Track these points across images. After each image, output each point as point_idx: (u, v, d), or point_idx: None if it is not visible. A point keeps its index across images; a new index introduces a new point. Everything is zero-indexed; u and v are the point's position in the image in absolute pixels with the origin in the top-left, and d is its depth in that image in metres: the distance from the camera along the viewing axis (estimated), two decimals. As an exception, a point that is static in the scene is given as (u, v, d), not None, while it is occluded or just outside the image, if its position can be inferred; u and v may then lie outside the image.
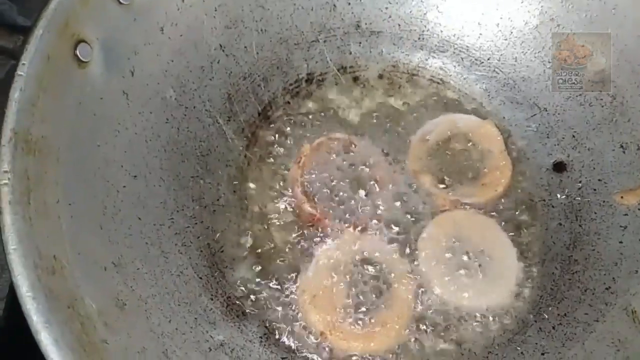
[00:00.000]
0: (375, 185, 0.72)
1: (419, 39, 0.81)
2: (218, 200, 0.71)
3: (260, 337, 0.64)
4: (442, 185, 0.73)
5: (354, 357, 0.64)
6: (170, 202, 0.66)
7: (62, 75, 0.54)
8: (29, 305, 0.45)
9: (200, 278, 0.64)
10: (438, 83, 0.81)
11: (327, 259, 0.67)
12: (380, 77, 0.81)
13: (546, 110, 0.76)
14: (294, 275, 0.67)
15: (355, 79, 0.81)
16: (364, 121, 0.77)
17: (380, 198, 0.71)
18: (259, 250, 0.69)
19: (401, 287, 0.66)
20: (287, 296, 0.66)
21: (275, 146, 0.75)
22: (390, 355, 0.64)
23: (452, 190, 0.72)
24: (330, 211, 0.70)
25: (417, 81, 0.81)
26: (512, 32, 0.78)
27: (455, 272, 0.67)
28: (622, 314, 0.60)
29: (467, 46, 0.81)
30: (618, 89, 0.72)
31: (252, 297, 0.66)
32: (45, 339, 0.44)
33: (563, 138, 0.75)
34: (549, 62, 0.76)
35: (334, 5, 0.79)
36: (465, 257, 0.68)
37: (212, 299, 0.64)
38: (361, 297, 0.66)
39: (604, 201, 0.69)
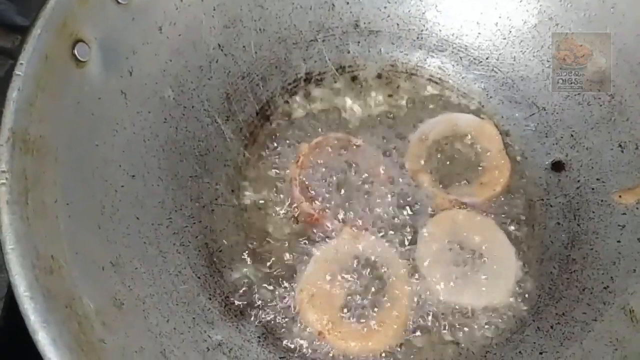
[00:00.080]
0: (374, 184, 0.72)
1: (417, 38, 0.81)
2: (216, 199, 0.71)
3: (259, 337, 0.64)
4: (440, 185, 0.73)
5: (352, 357, 0.64)
6: (168, 202, 0.66)
7: (60, 74, 0.54)
8: (26, 304, 0.45)
9: (199, 278, 0.64)
10: (437, 82, 0.81)
11: (325, 259, 0.67)
12: (379, 76, 0.81)
13: (545, 110, 0.76)
14: (292, 274, 0.67)
15: (354, 78, 0.81)
16: (363, 120, 0.78)
17: (379, 197, 0.71)
18: (257, 250, 0.69)
19: (399, 286, 0.66)
20: (285, 296, 0.66)
21: (273, 146, 0.75)
22: (389, 355, 0.64)
23: (450, 190, 0.72)
24: (329, 210, 0.70)
25: (416, 80, 0.81)
26: (510, 32, 0.78)
27: (453, 271, 0.67)
28: (620, 313, 0.60)
29: (465, 45, 0.81)
30: (617, 88, 0.72)
31: (251, 296, 0.66)
32: (42, 338, 0.45)
33: (561, 137, 0.75)
34: (548, 61, 0.76)
35: (333, 5, 0.79)
36: (463, 257, 0.68)
37: (210, 299, 0.64)
38: (359, 296, 0.66)
39: (602, 200, 0.69)
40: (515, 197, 0.73)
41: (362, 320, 0.64)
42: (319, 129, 0.76)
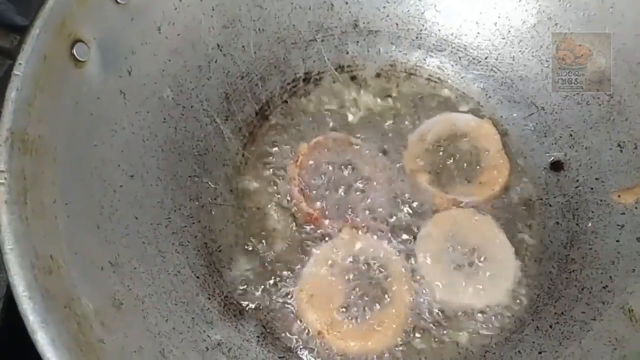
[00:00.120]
0: (373, 184, 0.72)
1: (416, 38, 0.81)
2: (215, 199, 0.71)
3: (258, 337, 0.64)
4: (439, 185, 0.73)
5: (351, 357, 0.64)
6: (167, 202, 0.66)
7: (59, 74, 0.54)
8: (25, 305, 0.45)
9: (198, 277, 0.64)
10: (436, 82, 0.81)
11: (324, 258, 0.67)
12: (378, 76, 0.81)
13: (543, 109, 0.76)
14: (291, 274, 0.68)
15: (353, 78, 0.81)
16: (362, 120, 0.78)
17: (378, 197, 0.71)
18: (256, 250, 0.69)
19: (399, 286, 0.66)
20: (284, 295, 0.66)
21: (272, 145, 0.75)
22: (388, 355, 0.64)
23: (449, 189, 0.72)
24: (328, 210, 0.70)
25: (415, 80, 0.81)
26: (509, 31, 0.78)
27: (452, 271, 0.67)
28: (619, 312, 0.60)
29: (464, 45, 0.81)
30: (616, 88, 0.71)
31: (250, 296, 0.66)
32: (41, 338, 0.45)
33: (560, 137, 0.75)
34: (547, 61, 0.76)
35: (332, 5, 0.79)
36: (462, 256, 0.68)
37: (209, 299, 0.64)
38: (359, 296, 0.65)
39: (601, 200, 0.69)
40: (514, 196, 0.73)
41: (362, 320, 0.64)
42: (318, 129, 0.76)
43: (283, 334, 0.65)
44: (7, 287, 0.63)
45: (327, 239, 0.69)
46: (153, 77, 0.67)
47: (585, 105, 0.74)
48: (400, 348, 0.64)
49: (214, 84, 0.74)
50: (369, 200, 0.71)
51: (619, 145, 0.70)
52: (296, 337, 0.65)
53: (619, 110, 0.71)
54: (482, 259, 0.68)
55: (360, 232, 0.69)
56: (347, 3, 0.80)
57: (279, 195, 0.72)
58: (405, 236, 0.70)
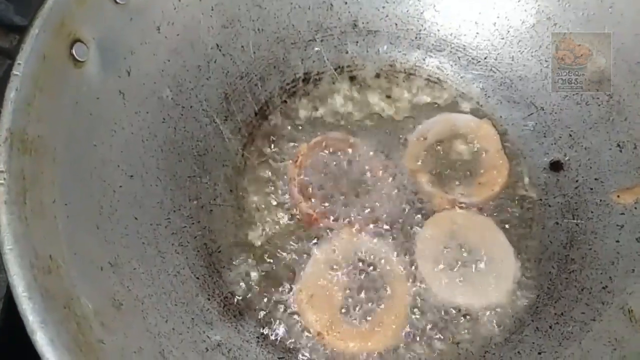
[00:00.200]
0: (373, 184, 0.72)
1: (416, 38, 0.81)
2: (215, 200, 0.71)
3: (257, 337, 0.64)
4: (439, 185, 0.73)
5: (351, 357, 0.64)
6: (167, 202, 0.66)
7: (58, 74, 0.54)
8: (25, 305, 0.45)
9: (197, 278, 0.64)
10: (435, 82, 0.81)
11: (324, 259, 0.67)
12: (377, 76, 0.81)
13: (543, 110, 0.76)
14: (291, 275, 0.67)
15: (352, 78, 0.81)
16: (361, 120, 0.78)
17: (378, 198, 0.71)
18: (256, 250, 0.69)
19: (398, 286, 0.66)
20: (284, 296, 0.66)
21: (272, 146, 0.75)
22: (388, 355, 0.64)
23: (449, 190, 0.72)
24: (328, 211, 0.70)
25: (414, 80, 0.81)
26: (509, 31, 0.78)
27: (452, 272, 0.67)
28: (619, 313, 0.61)
29: (464, 45, 0.81)
30: (615, 87, 0.72)
31: (249, 297, 0.66)
32: (41, 339, 0.44)
33: (560, 137, 0.75)
34: (546, 61, 0.76)
35: (331, 5, 0.79)
36: (462, 257, 0.68)
37: (209, 299, 0.64)
38: (358, 296, 0.66)
39: (600, 200, 0.69)
40: (514, 197, 0.73)
41: (361, 321, 0.64)
42: (318, 129, 0.76)
43: (283, 335, 0.65)
44: (6, 287, 0.63)
45: (327, 239, 0.69)
46: (152, 77, 0.67)
47: (584, 106, 0.74)
48: (400, 349, 0.64)
49: (213, 84, 0.74)
50: (368, 201, 0.71)
51: (618, 145, 0.70)
52: (296, 338, 0.65)
53: (618, 110, 0.71)
54: (481, 260, 0.68)
55: (360, 233, 0.69)
56: (346, 3, 0.80)
57: (278, 196, 0.72)
58: (405, 236, 0.70)
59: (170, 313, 0.59)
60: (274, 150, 0.75)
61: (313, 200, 0.70)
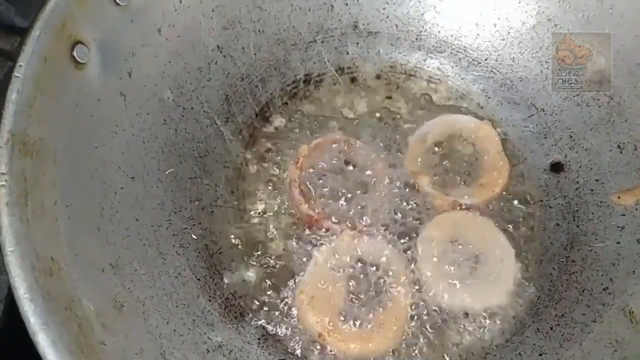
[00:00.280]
0: (374, 186, 0.72)
1: (416, 39, 0.81)
2: (216, 201, 0.71)
3: (258, 339, 0.64)
4: (440, 186, 0.73)
5: (352, 359, 0.64)
6: (168, 204, 0.66)
7: (59, 76, 0.54)
8: (26, 307, 0.45)
9: (198, 279, 0.64)
10: (436, 83, 0.81)
11: (325, 260, 0.67)
12: (378, 77, 0.81)
13: (543, 111, 0.76)
14: (292, 276, 0.67)
15: (353, 79, 0.81)
16: (362, 122, 0.77)
17: (379, 199, 0.71)
18: (257, 252, 0.69)
19: (399, 288, 0.66)
20: (285, 297, 0.66)
21: (273, 147, 0.75)
22: (388, 357, 0.64)
23: (450, 191, 0.72)
24: (329, 212, 0.70)
25: (415, 82, 0.81)
26: (509, 33, 0.78)
27: (453, 273, 0.67)
28: (620, 314, 0.61)
29: (464, 46, 0.81)
30: (615, 89, 0.72)
31: (250, 298, 0.66)
32: (42, 340, 0.45)
33: (560, 138, 0.75)
34: (547, 62, 0.76)
35: (332, 6, 0.79)
36: (463, 258, 0.68)
37: (210, 301, 0.64)
38: (359, 298, 0.65)
39: (601, 201, 0.69)
40: (514, 198, 0.73)
41: (362, 322, 0.64)
42: (319, 131, 0.76)
43: (284, 336, 0.65)
44: (8, 289, 0.63)
45: (327, 240, 0.69)
46: (153, 79, 0.67)
47: (585, 107, 0.74)
48: (401, 350, 0.64)
49: (214, 85, 0.74)
50: (369, 202, 0.71)
51: (618, 146, 0.70)
52: (297, 339, 0.65)
53: (618, 112, 0.71)
54: (482, 261, 0.68)
55: (360, 234, 0.69)
56: (347, 4, 0.80)
57: (279, 197, 0.72)
58: (405, 238, 0.69)
59: (171, 314, 0.59)
60: (274, 151, 0.75)
61: (314, 201, 0.70)
